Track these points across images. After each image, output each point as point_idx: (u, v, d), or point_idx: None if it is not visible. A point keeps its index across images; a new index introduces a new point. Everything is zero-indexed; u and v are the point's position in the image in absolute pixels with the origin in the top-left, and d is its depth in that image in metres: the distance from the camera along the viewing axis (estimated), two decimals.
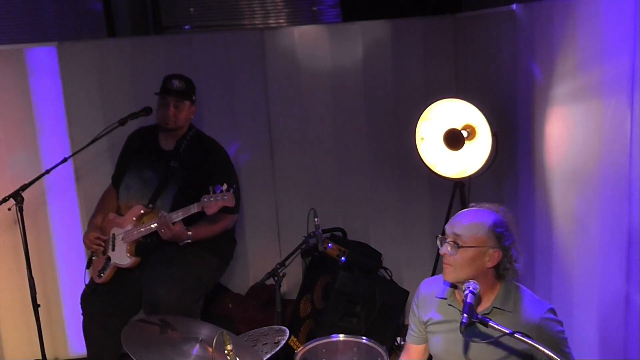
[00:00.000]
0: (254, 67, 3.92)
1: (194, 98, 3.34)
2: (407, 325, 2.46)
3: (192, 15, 4.81)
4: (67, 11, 4.59)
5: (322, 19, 4.84)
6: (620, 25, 2.38)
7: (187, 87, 3.30)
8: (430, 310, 2.30)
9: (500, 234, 2.12)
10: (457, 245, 2.14)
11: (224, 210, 3.02)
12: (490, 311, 2.14)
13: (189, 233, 3.10)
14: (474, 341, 2.08)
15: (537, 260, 3.15)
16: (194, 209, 3.01)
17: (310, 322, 3.54)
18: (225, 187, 2.94)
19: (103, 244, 3.26)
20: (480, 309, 2.14)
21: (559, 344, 2.06)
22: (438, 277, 2.31)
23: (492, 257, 2.12)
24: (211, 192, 2.95)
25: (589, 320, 2.73)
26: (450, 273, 2.17)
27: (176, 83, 3.27)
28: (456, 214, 2.25)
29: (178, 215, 3.05)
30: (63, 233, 3.87)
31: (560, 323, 2.13)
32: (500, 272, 2.15)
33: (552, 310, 2.14)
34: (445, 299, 2.26)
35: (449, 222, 2.22)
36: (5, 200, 3.10)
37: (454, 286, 2.24)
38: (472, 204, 2.31)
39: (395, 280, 3.76)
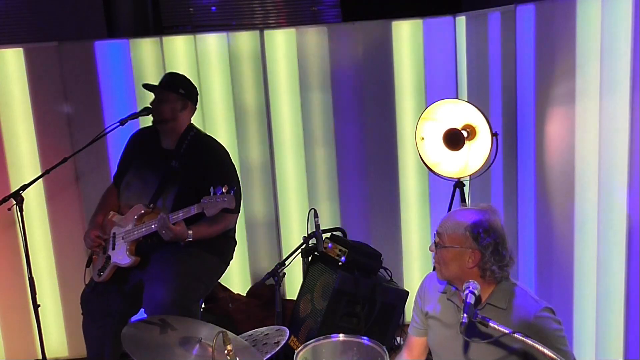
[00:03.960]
0: (254, 67, 3.92)
1: (181, 91, 3.31)
2: (407, 326, 2.46)
3: (192, 15, 4.80)
4: (67, 11, 4.59)
5: (322, 19, 4.83)
6: (620, 25, 2.39)
7: (172, 80, 3.31)
8: (431, 302, 2.31)
9: (477, 235, 2.10)
10: (439, 244, 2.17)
11: (224, 210, 3.02)
12: (484, 307, 2.14)
13: (190, 232, 3.09)
14: (473, 341, 2.08)
15: (537, 260, 3.15)
16: (193, 210, 3.00)
17: (310, 322, 3.54)
18: (226, 188, 2.94)
19: (103, 243, 3.27)
20: None
21: (555, 341, 2.03)
22: None
23: (472, 257, 2.11)
24: (211, 194, 2.94)
25: (589, 320, 2.73)
26: (438, 271, 2.22)
27: (164, 77, 3.33)
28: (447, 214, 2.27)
29: (178, 217, 3.05)
30: (63, 233, 3.87)
31: (558, 322, 2.11)
32: (482, 273, 2.13)
33: (549, 309, 2.12)
34: (445, 293, 2.27)
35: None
36: (5, 200, 3.09)
37: (450, 283, 2.25)
38: (463, 204, 2.32)
39: (395, 280, 3.76)
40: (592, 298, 2.70)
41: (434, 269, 2.29)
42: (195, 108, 3.40)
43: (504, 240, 2.14)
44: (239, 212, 3.33)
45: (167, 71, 3.66)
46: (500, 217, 2.18)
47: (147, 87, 3.34)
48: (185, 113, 3.32)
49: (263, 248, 4.10)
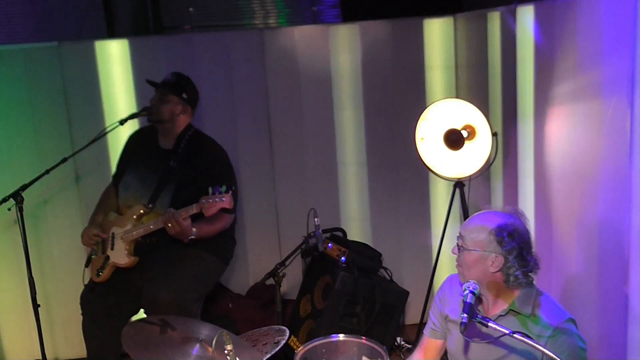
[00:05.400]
0: (254, 67, 3.92)
1: (184, 96, 3.31)
2: (407, 326, 2.46)
3: (192, 15, 4.80)
4: (67, 11, 4.59)
5: (322, 19, 4.84)
6: (620, 25, 2.38)
7: (177, 82, 3.30)
8: (451, 305, 2.29)
9: (501, 239, 2.06)
10: (461, 247, 2.14)
11: (222, 210, 3.02)
12: (507, 313, 2.11)
13: (194, 230, 3.10)
14: (474, 341, 2.08)
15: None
16: (192, 209, 3.01)
17: (310, 322, 3.54)
18: (224, 188, 2.94)
19: (100, 240, 3.27)
20: (496, 311, 2.13)
21: (573, 356, 1.99)
22: None
23: (495, 261, 2.07)
24: (210, 194, 2.95)
25: (589, 320, 2.72)
26: (460, 274, 2.18)
27: (168, 76, 3.31)
28: (471, 216, 2.24)
29: (181, 213, 3.05)
30: (63, 233, 3.87)
31: (579, 336, 2.07)
32: (506, 278, 2.09)
33: (572, 321, 2.08)
34: None
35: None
36: (5, 200, 3.09)
37: None
38: (486, 206, 2.27)
39: (395, 280, 3.76)
40: (592, 298, 2.70)
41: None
42: (194, 112, 3.41)
43: (529, 245, 2.10)
44: (235, 212, 3.33)
45: (167, 71, 3.65)
46: (526, 221, 2.14)
47: (150, 83, 3.34)
48: (184, 117, 3.33)
49: (263, 248, 4.10)
